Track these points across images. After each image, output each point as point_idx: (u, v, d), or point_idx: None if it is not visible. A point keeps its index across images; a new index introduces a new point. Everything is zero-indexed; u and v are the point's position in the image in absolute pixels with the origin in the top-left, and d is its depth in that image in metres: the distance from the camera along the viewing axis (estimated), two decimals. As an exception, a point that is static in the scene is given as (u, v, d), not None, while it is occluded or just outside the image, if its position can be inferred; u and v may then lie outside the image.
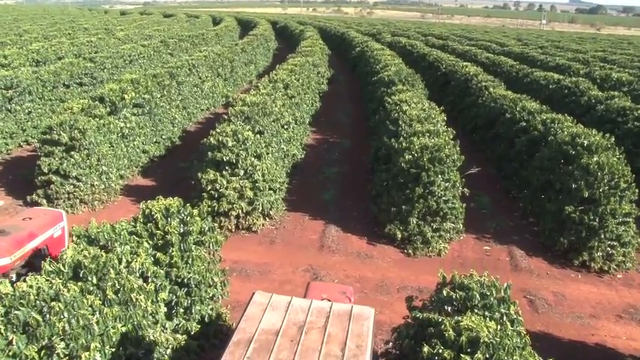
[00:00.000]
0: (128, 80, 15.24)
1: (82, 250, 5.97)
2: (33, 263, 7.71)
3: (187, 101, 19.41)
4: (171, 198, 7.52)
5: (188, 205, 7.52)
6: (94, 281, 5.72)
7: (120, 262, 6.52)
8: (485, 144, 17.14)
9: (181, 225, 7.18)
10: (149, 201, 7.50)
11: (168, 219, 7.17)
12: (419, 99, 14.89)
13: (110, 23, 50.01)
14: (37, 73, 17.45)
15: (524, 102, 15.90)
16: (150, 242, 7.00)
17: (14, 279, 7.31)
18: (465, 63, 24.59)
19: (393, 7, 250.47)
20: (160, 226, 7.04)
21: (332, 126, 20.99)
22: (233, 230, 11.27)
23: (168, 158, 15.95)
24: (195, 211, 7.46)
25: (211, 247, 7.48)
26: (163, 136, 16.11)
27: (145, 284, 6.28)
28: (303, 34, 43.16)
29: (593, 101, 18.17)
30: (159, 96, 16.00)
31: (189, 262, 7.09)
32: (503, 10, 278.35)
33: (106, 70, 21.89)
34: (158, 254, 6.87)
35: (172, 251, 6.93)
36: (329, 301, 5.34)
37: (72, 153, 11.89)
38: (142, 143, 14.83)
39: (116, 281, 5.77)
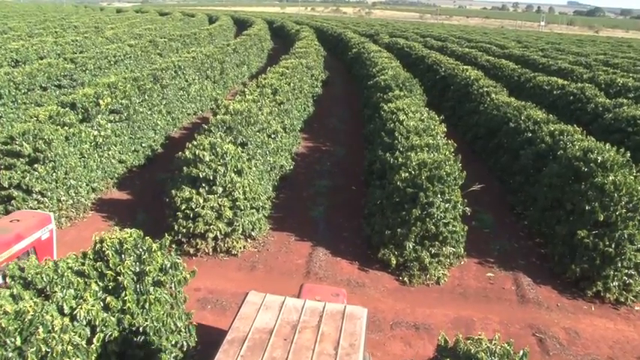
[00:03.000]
0: (105, 84, 14.14)
1: (1, 306, 4.89)
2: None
3: (172, 106, 18.31)
4: (127, 230, 6.47)
5: (147, 238, 6.47)
6: (18, 343, 4.69)
7: (61, 311, 5.51)
8: (488, 154, 16.11)
9: (137, 263, 6.12)
10: (103, 232, 6.45)
11: (122, 256, 6.12)
12: (417, 107, 13.84)
13: (102, 21, 48.83)
14: (9, 74, 16.34)
15: (529, 110, 14.88)
16: (100, 284, 5.95)
17: (0, 281, 7.24)
18: (465, 67, 23.54)
19: (392, 8, 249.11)
20: (111, 265, 5.99)
21: (325, 132, 19.93)
22: (210, 253, 10.21)
23: (149, 168, 14.88)
24: (156, 245, 6.40)
25: (174, 288, 6.42)
26: (143, 144, 15.03)
27: (83, 343, 5.22)
28: (299, 34, 42.07)
29: (601, 109, 17.18)
30: (138, 101, 14.91)
31: (146, 306, 6.04)
32: (501, 12, 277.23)
33: (87, 71, 20.77)
34: (109, 298, 5.82)
35: (125, 295, 5.89)
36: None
37: (36, 166, 10.78)
38: (119, 152, 13.76)
39: (43, 344, 4.71)
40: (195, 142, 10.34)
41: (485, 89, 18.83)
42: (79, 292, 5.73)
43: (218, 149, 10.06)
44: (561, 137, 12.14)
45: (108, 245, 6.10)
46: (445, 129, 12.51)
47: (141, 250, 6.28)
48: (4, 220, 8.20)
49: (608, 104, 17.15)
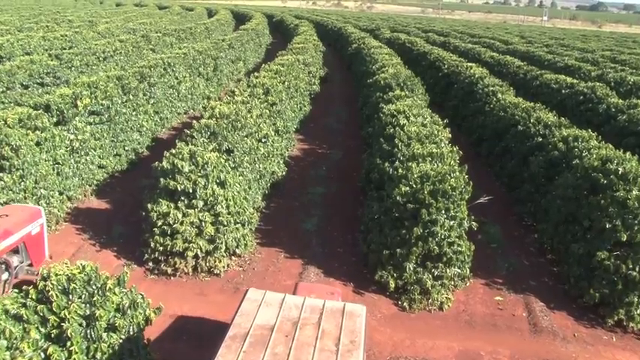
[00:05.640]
0: (84, 84, 13.16)
1: None
2: (9, 262, 7.59)
3: (160, 105, 17.35)
4: (81, 262, 5.52)
5: (103, 273, 5.52)
6: None
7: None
8: (493, 158, 15.12)
9: (87, 305, 5.19)
10: (52, 265, 5.51)
11: (70, 296, 5.18)
12: (419, 109, 12.85)
13: (97, 15, 47.79)
14: (-15, 72, 15.40)
15: (538, 112, 13.89)
16: (42, 330, 5.02)
17: (7, 276, 7.42)
18: (469, 64, 22.54)
19: (394, 2, 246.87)
20: (54, 308, 5.05)
21: (322, 133, 18.95)
22: (190, 273, 9.26)
23: (132, 173, 13.91)
24: (112, 282, 5.46)
25: (133, 331, 5.47)
26: (126, 148, 14.08)
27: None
28: (298, 28, 41.02)
29: (614, 110, 16.18)
30: (120, 101, 13.93)
31: (98, 356, 5.11)
32: (503, 6, 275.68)
33: (74, 68, 19.78)
34: (51, 349, 4.89)
35: (71, 344, 4.96)
36: None
37: (1, 175, 9.84)
38: (99, 157, 12.81)
39: None
40: (174, 151, 9.39)
41: (491, 88, 17.84)
42: (13, 342, 4.81)
43: (199, 159, 9.10)
44: (576, 144, 11.17)
45: (53, 284, 5.16)
46: (450, 134, 11.52)
47: (94, 287, 5.34)
48: None
49: (621, 105, 16.16)
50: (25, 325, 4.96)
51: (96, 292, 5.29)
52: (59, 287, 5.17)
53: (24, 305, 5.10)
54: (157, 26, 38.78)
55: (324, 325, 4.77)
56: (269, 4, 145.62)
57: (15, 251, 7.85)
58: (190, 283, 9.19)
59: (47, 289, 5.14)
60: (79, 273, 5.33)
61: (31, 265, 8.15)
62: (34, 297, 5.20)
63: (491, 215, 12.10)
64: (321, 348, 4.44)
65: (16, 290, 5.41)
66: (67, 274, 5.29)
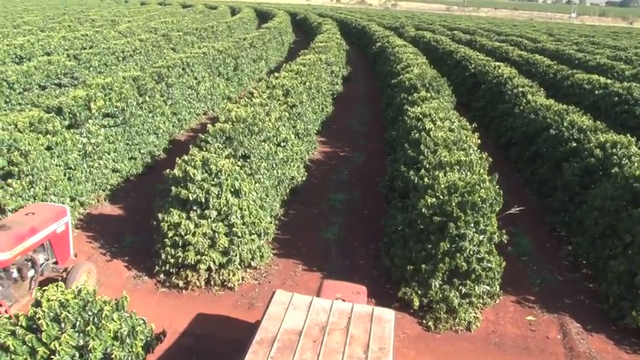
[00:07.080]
0: (99, 85, 12.82)
1: None
2: (35, 259, 7.65)
3: (178, 106, 16.98)
4: (77, 285, 5.08)
5: (100, 298, 5.06)
6: None
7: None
8: (523, 164, 14.40)
9: (80, 334, 4.73)
10: (45, 289, 5.07)
11: (62, 324, 4.73)
12: (445, 112, 12.22)
13: (120, 14, 47.80)
14: (2, 73, 15.11)
15: (572, 116, 13.14)
16: (31, 362, 4.59)
17: (14, 274, 7.35)
18: (496, 63, 21.75)
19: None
20: (44, 338, 4.60)
21: (344, 135, 18.39)
22: (203, 287, 8.79)
23: (148, 177, 13.50)
24: (108, 308, 4.99)
25: (132, 362, 5.00)
26: (142, 151, 13.70)
27: None
28: (321, 27, 40.48)
29: (652, 112, 15.35)
30: (136, 103, 13.53)
31: (92, 391, 4.66)
32: (530, 3, 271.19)
33: (92, 68, 19.55)
34: (40, 383, 4.46)
35: (62, 379, 4.51)
36: (343, 300, 5.43)
37: (10, 181, 9.46)
38: (113, 161, 12.44)
39: None
40: (186, 158, 8.93)
41: (521, 89, 17.09)
42: (-1, 376, 4.39)
43: (212, 166, 8.63)
44: (614, 150, 10.45)
45: (44, 311, 4.72)
46: (479, 140, 10.85)
47: (90, 313, 4.89)
48: (19, 213, 8.01)
49: (660, 107, 15.33)
50: (13, 357, 4.54)
51: (91, 319, 4.84)
52: (50, 314, 4.73)
53: (12, 333, 4.68)
54: (179, 25, 38.51)
55: (352, 330, 4.71)
56: (293, 2, 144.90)
57: (41, 249, 7.88)
58: (203, 297, 8.72)
59: (37, 316, 4.71)
60: (74, 298, 4.88)
61: (56, 262, 8.14)
62: (24, 324, 4.77)
63: (522, 225, 11.45)
64: (349, 355, 4.38)
65: (7, 316, 4.99)
66: (61, 300, 4.85)
